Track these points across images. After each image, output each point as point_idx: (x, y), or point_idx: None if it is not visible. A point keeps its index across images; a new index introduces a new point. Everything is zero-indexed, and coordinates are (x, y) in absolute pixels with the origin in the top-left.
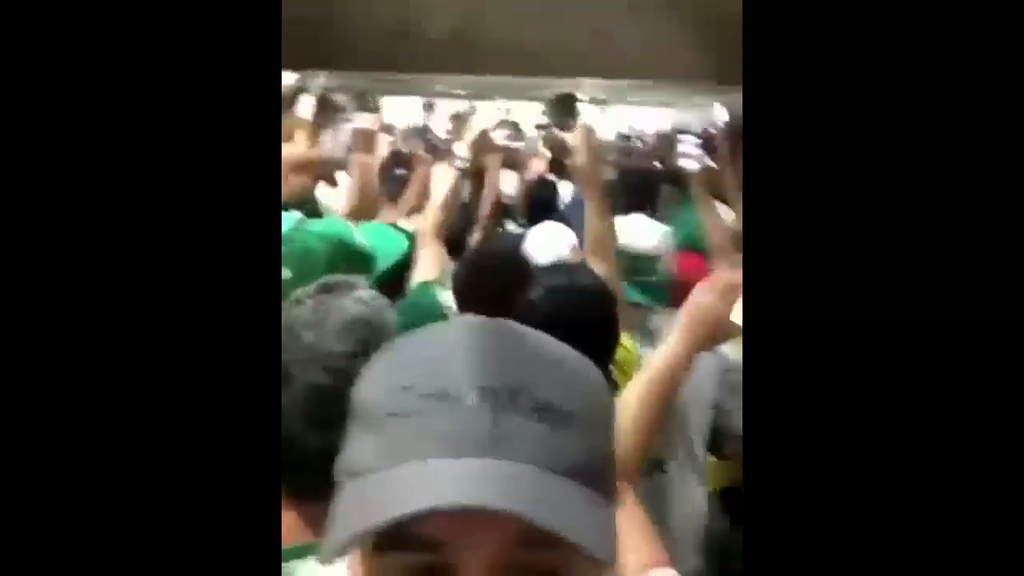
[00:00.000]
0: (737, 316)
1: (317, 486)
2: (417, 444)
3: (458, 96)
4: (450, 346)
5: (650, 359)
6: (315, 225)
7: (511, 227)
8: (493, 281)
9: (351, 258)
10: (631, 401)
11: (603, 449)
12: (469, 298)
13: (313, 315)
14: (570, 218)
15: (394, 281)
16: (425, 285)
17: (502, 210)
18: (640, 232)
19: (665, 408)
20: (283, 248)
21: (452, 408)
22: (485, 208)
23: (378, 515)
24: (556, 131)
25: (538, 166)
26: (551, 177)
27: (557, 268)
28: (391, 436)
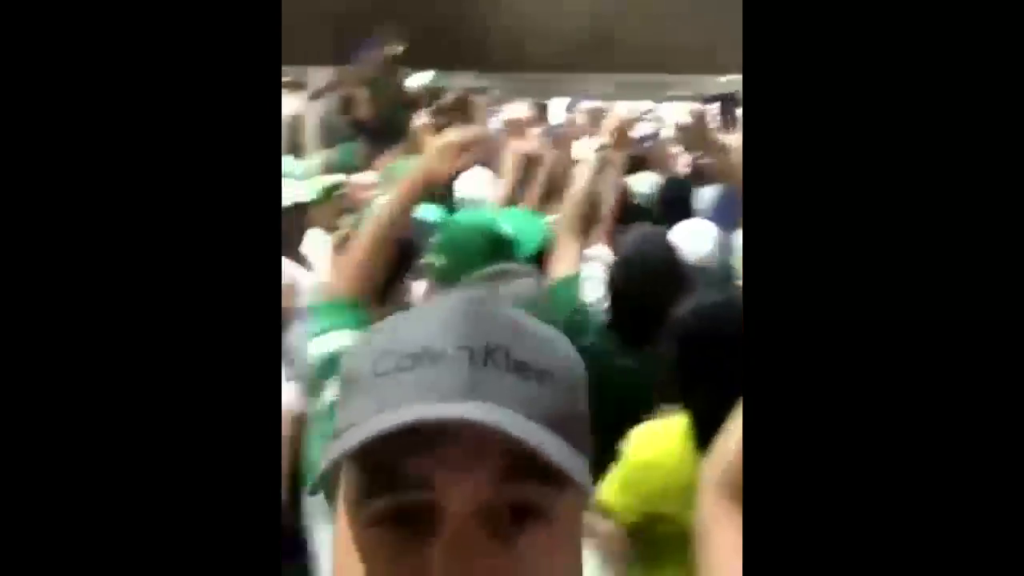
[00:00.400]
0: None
1: None
2: (401, 395)
3: (597, 96)
4: (432, 313)
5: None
6: (463, 216)
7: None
8: (649, 289)
9: (498, 245)
10: None
11: (577, 410)
12: (624, 306)
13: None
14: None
15: (535, 265)
16: (567, 281)
17: (634, 209)
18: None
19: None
20: (437, 238)
21: (433, 363)
22: (610, 203)
23: (361, 435)
24: (717, 132)
25: (682, 167)
26: (685, 175)
27: (710, 282)
28: (377, 393)
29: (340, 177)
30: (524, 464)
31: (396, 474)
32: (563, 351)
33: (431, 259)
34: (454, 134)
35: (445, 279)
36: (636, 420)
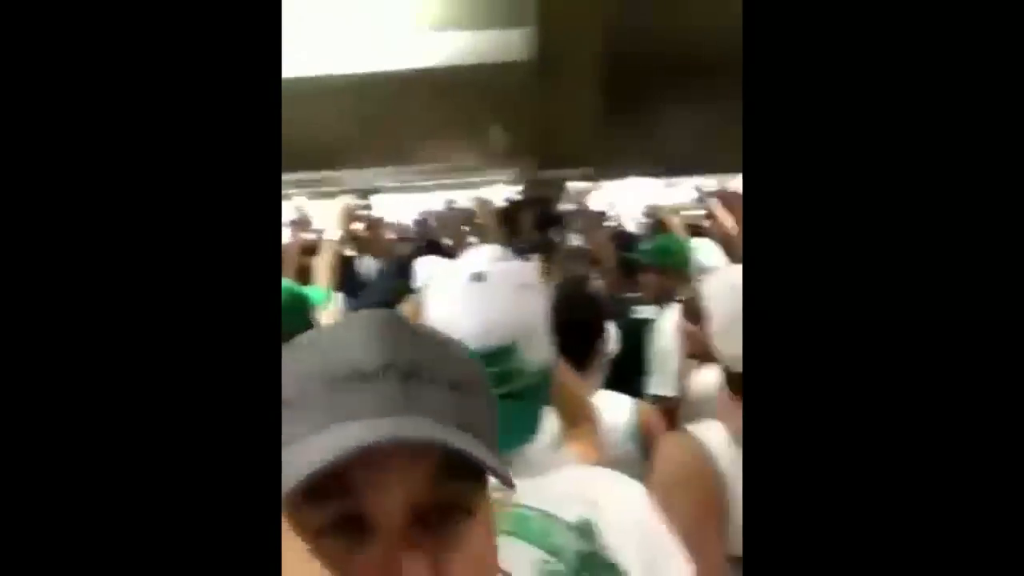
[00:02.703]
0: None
1: None
2: (336, 413)
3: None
4: (352, 333)
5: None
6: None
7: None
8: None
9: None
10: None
11: (487, 412)
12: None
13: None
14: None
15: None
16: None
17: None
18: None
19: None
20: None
21: (364, 382)
22: None
23: (303, 468)
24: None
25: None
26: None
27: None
28: (311, 412)
29: None
30: (450, 468)
31: (332, 487)
32: (465, 357)
33: None
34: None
35: None
36: None
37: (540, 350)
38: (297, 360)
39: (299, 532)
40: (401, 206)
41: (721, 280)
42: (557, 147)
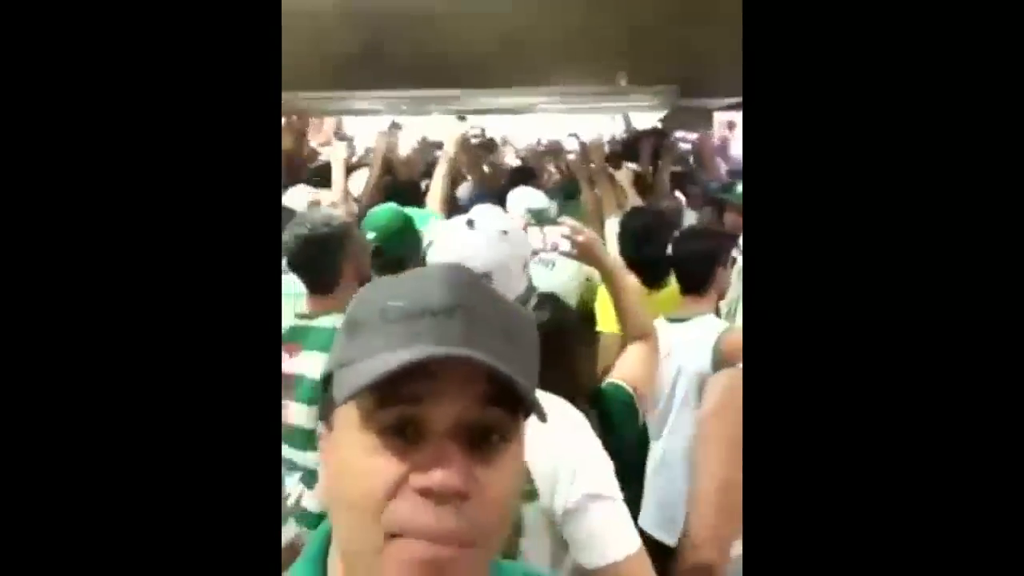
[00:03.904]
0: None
1: None
2: (409, 339)
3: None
4: (428, 278)
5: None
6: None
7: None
8: None
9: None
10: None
11: (534, 363)
12: None
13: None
14: None
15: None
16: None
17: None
18: None
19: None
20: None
21: (433, 316)
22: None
23: (378, 370)
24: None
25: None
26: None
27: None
28: (387, 336)
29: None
30: (495, 396)
31: (398, 395)
32: (520, 313)
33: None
34: None
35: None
36: None
37: (516, 281)
38: (380, 293)
39: (367, 428)
40: (532, 130)
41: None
42: (702, 74)
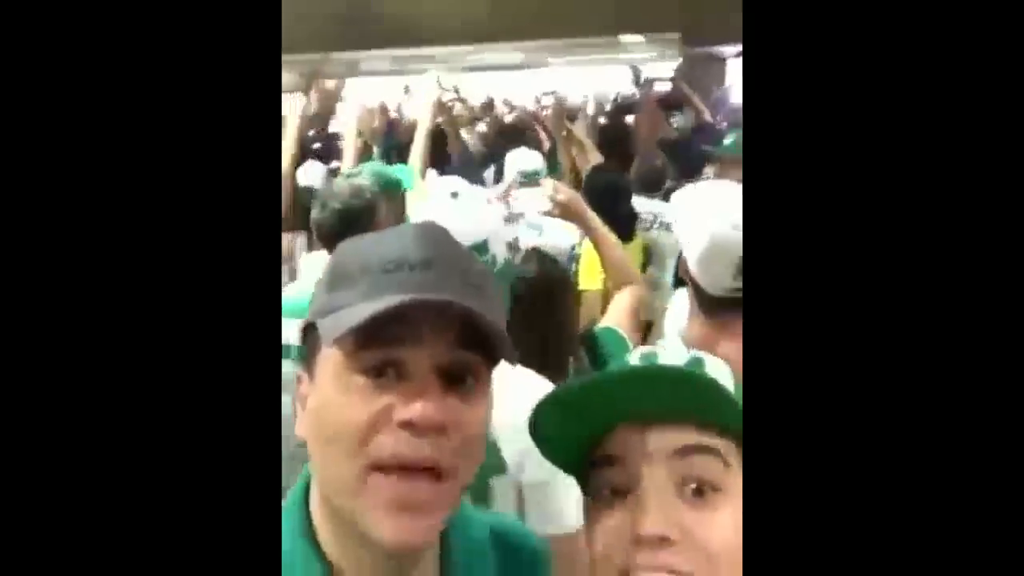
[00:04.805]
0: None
1: None
2: (388, 288)
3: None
4: (402, 234)
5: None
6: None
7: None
8: None
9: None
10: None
11: (499, 309)
12: None
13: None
14: None
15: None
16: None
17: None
18: None
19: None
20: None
21: (410, 269)
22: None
23: (358, 317)
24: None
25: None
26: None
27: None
28: (367, 286)
29: None
30: (467, 340)
31: (379, 339)
32: (483, 268)
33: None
34: None
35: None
36: None
37: (500, 247)
38: (360, 248)
39: (350, 370)
40: (538, 86)
41: (690, 198)
42: (703, 20)
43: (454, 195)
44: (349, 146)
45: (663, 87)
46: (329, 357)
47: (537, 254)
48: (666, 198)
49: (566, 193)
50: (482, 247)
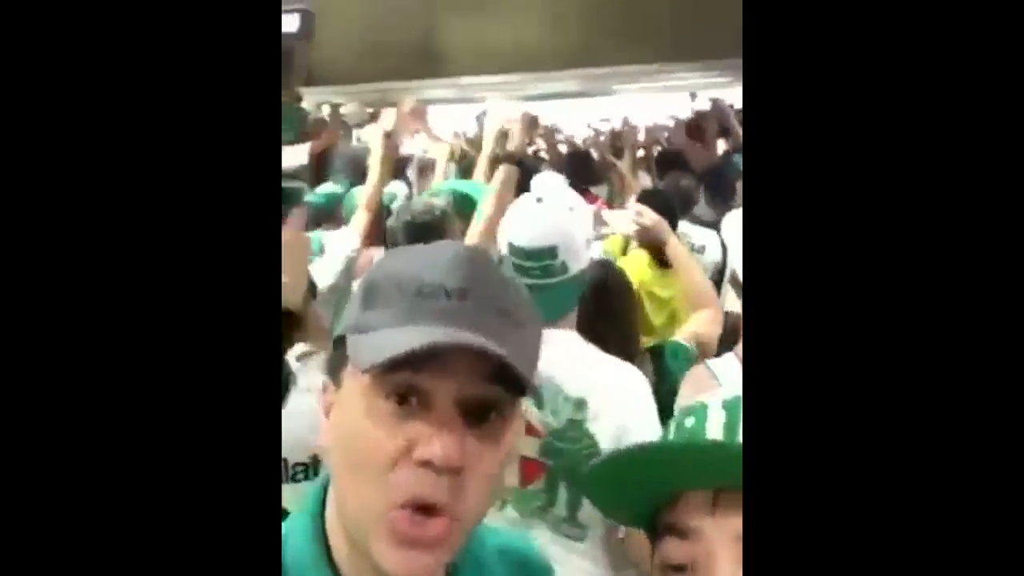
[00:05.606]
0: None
1: None
2: (422, 316)
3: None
4: (442, 255)
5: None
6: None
7: None
8: None
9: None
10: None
11: (530, 342)
12: None
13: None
14: None
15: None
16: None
17: None
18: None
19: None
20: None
21: (447, 297)
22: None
23: (399, 347)
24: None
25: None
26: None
27: None
28: (402, 308)
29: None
30: (495, 376)
31: (407, 364)
32: (524, 297)
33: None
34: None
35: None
36: None
37: (579, 256)
38: (399, 264)
39: (374, 391)
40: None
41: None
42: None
43: (539, 200)
44: (440, 166)
45: (710, 111)
46: (355, 373)
47: (604, 264)
48: (694, 220)
49: (651, 218)
50: (550, 251)
